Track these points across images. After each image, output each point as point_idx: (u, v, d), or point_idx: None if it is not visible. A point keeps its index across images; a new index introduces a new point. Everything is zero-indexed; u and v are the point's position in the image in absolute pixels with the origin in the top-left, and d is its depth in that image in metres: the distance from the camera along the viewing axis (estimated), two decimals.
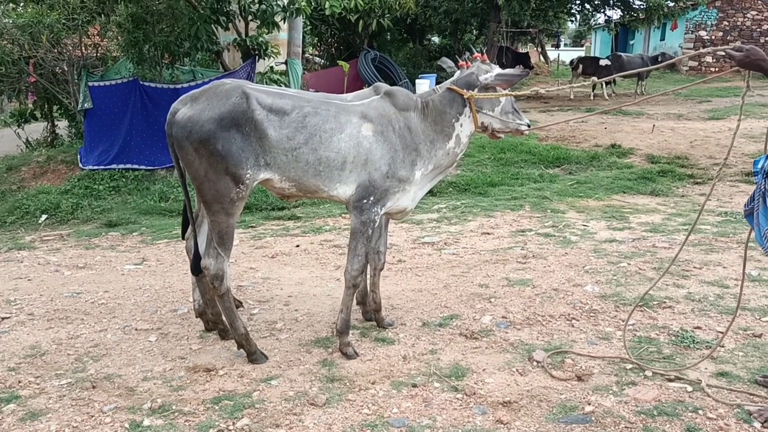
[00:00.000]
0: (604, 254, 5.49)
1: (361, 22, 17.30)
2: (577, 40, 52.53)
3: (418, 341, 3.98)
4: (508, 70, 3.75)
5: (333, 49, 21.94)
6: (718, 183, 8.28)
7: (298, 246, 6.32)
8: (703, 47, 26.21)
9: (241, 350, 3.80)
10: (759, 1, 25.87)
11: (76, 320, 4.56)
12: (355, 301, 4.24)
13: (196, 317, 4.30)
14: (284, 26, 11.16)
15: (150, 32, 10.07)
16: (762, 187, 2.97)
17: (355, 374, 3.58)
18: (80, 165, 10.23)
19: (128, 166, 10.06)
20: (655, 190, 7.95)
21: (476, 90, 3.72)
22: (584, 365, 3.59)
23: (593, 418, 3.03)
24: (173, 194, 8.94)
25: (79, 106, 10.58)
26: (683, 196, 7.79)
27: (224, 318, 3.84)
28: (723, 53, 3.07)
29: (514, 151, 9.72)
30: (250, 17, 10.02)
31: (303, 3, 9.54)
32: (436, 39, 29.49)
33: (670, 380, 3.38)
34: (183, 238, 4.32)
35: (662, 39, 28.33)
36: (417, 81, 17.77)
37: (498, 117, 3.78)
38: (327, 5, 10.72)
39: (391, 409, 3.19)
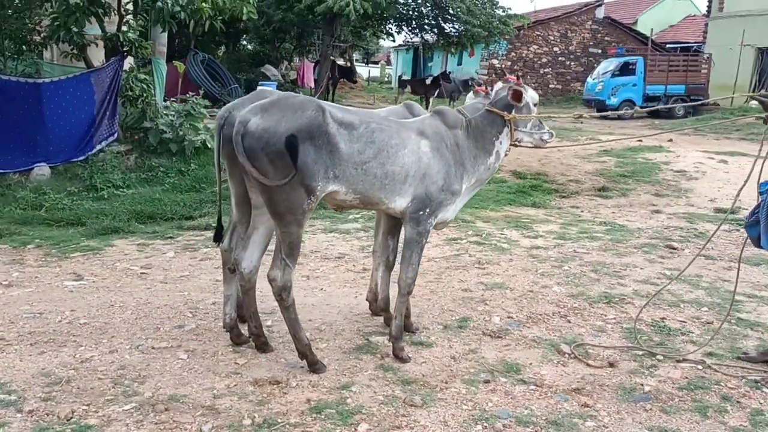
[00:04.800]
0: (542, 260, 6.23)
1: (192, 21, 16.69)
2: (367, 56, 54.98)
3: (451, 342, 4.30)
4: (534, 93, 4.27)
5: None
6: (578, 197, 9.62)
7: None
8: (495, 74, 29.38)
9: (303, 360, 3.82)
10: (540, 38, 29.64)
11: (68, 343, 4.14)
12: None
13: (226, 331, 4.18)
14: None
15: (1, 19, 8.99)
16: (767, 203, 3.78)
17: (423, 376, 3.81)
18: None
19: None
20: (535, 203, 9.03)
21: (513, 111, 4.16)
22: (604, 354, 4.20)
23: (652, 396, 3.63)
24: (48, 202, 8.05)
25: None
26: (560, 208, 8.95)
27: (288, 329, 3.84)
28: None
29: None
30: (126, 11, 9.39)
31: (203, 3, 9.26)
32: (249, 45, 29.21)
33: (679, 361, 4.11)
34: (215, 241, 4.18)
35: (459, 63, 31.08)
36: (259, 88, 17.67)
37: (529, 132, 4.26)
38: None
39: (486, 403, 3.50)
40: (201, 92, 16.69)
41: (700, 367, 4.03)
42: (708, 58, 23.19)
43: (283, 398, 3.49)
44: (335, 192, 3.73)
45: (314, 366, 3.81)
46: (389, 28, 23.30)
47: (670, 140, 14.71)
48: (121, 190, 8.80)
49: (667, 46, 30.79)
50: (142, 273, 5.72)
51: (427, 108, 19.30)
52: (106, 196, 8.49)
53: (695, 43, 30.26)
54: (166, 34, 11.20)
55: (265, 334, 4.10)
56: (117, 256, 6.29)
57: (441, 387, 3.67)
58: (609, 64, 23.06)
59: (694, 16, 36.27)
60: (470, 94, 4.75)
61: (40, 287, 5.27)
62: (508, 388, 3.68)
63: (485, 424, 3.28)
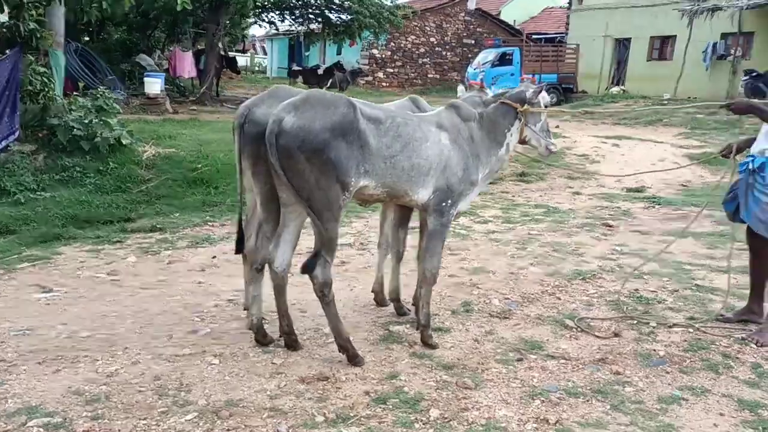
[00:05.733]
0: (506, 243, 6.57)
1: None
2: (243, 44, 53.34)
3: (467, 326, 4.48)
4: (546, 96, 4.51)
5: None
6: (503, 182, 10.12)
7: (215, 257, 6.02)
8: (376, 64, 29.88)
9: (342, 354, 3.86)
10: (417, 29, 30.39)
11: (80, 358, 3.88)
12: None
13: (253, 331, 4.10)
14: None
15: None
16: (747, 181, 4.28)
17: (457, 359, 3.97)
18: None
19: None
20: None
21: (525, 106, 4.37)
22: (604, 325, 4.56)
23: (667, 360, 4.01)
24: None
25: None
26: (492, 193, 9.37)
27: (329, 324, 3.85)
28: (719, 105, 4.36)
29: None
30: None
31: None
32: (114, 33, 27.47)
33: (671, 327, 4.55)
34: (238, 253, 4.09)
35: (339, 53, 31.13)
36: (146, 80, 16.80)
37: (537, 133, 4.48)
38: None
39: (530, 380, 3.72)
40: (81, 85, 15.58)
41: (690, 330, 4.49)
42: (576, 48, 24.91)
43: (340, 393, 3.52)
44: (365, 186, 3.78)
45: (355, 359, 3.85)
46: (271, 16, 22.93)
47: (557, 126, 15.74)
48: (37, 193, 8.10)
49: (533, 37, 32.67)
50: (112, 280, 5.40)
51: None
52: (23, 201, 7.79)
53: (556, 34, 32.32)
54: (63, 24, 10.40)
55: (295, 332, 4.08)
56: (72, 263, 5.88)
57: (481, 369, 3.84)
58: (488, 55, 24.12)
59: (552, 8, 38.72)
60: (460, 87, 4.95)
61: (8, 302, 4.84)
62: (541, 364, 3.93)
63: (542, 399, 3.49)
